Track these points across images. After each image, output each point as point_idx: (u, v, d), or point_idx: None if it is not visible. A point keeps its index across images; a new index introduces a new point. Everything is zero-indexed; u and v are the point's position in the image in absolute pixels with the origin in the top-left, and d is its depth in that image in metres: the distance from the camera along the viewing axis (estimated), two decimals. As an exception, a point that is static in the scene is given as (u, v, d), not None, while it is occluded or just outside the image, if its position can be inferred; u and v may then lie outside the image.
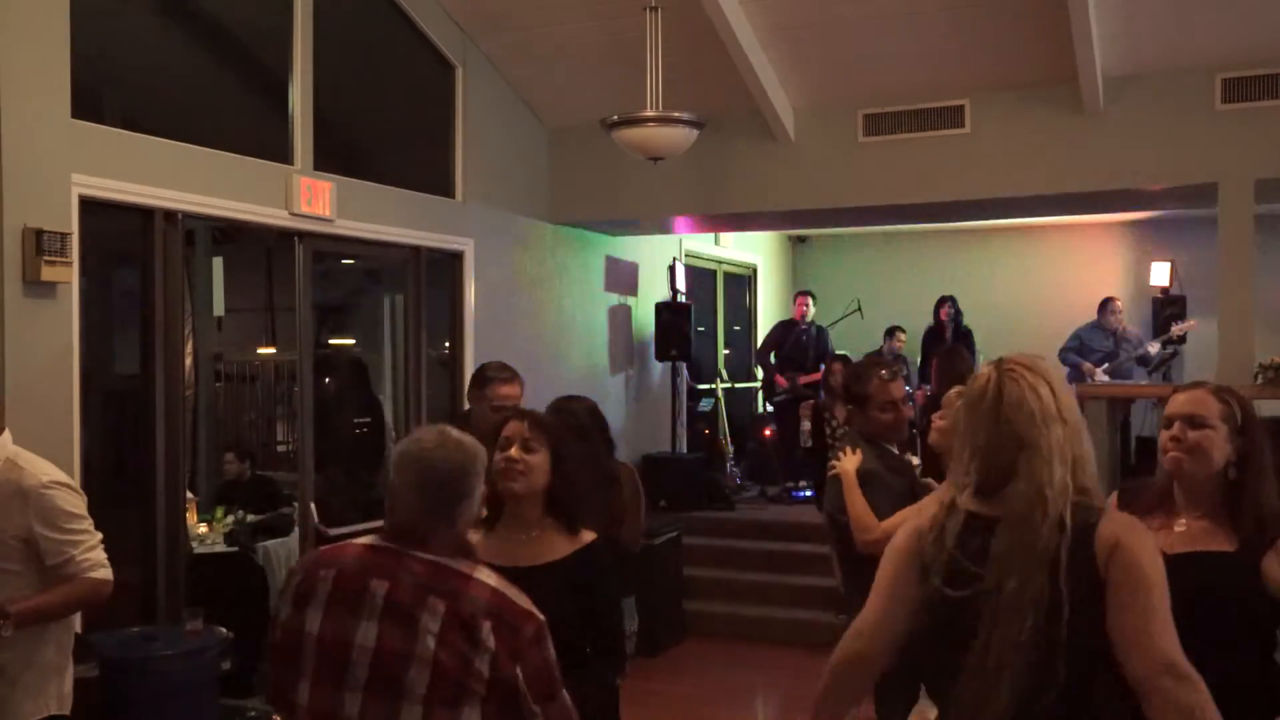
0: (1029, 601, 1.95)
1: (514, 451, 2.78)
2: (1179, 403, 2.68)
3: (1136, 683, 1.92)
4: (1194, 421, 2.63)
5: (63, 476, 3.10)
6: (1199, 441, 2.61)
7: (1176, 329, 8.79)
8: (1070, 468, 2.04)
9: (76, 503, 3.08)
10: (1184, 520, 2.65)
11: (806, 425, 9.25)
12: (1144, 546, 2.01)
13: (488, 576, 2.19)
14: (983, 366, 2.17)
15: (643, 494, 4.13)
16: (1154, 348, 8.84)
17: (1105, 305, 9.06)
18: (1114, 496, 2.79)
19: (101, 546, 3.11)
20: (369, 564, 2.19)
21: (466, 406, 4.71)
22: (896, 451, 3.88)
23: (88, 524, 3.08)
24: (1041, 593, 1.95)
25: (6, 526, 3.00)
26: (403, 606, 2.11)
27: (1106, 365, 8.64)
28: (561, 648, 2.31)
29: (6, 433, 3.13)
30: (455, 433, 2.28)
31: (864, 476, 3.73)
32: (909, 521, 2.22)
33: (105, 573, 3.07)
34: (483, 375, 4.48)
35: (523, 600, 2.19)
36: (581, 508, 2.88)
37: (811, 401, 9.31)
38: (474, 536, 2.76)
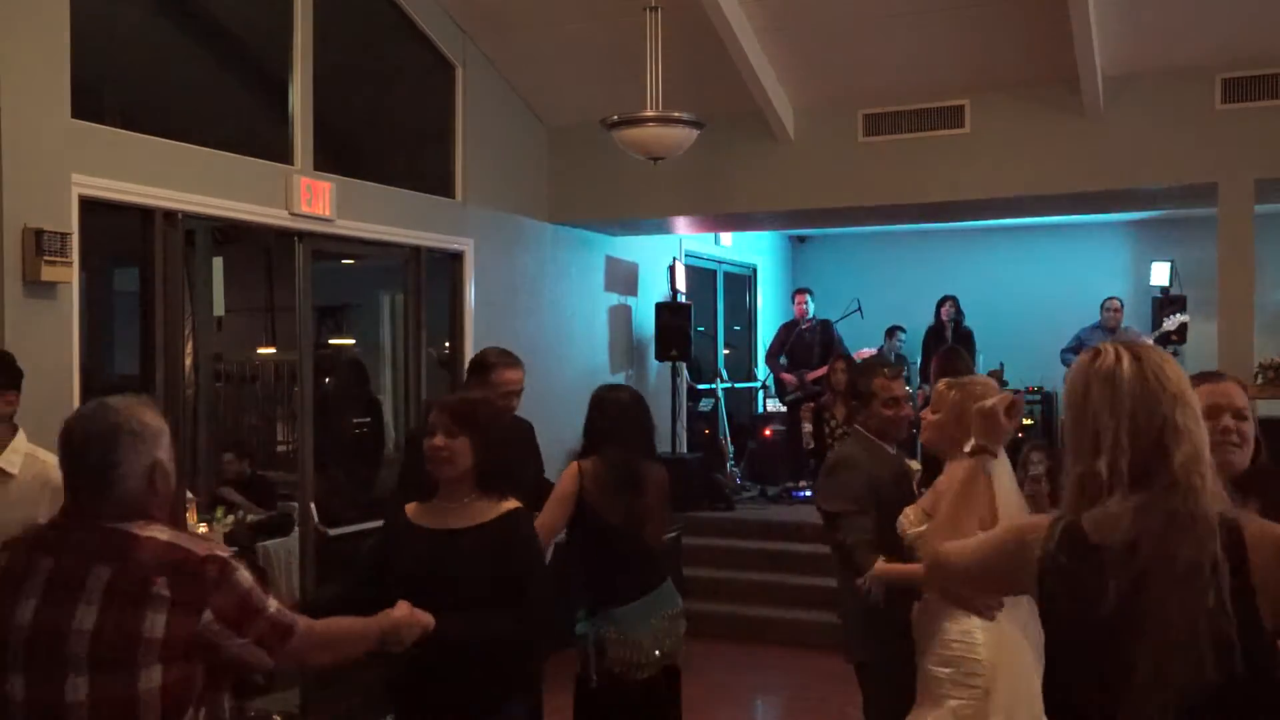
0: (1209, 569, 1.80)
1: (437, 440, 3.05)
2: (1225, 393, 2.64)
3: None
4: (1242, 414, 2.63)
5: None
6: (1244, 433, 2.61)
7: (1168, 323, 8.80)
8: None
9: None
10: None
11: (808, 427, 9.25)
12: None
13: (159, 532, 2.18)
14: (1100, 347, 2.01)
15: (667, 496, 4.23)
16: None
17: (1104, 305, 9.11)
18: None
19: None
20: (37, 542, 2.21)
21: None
22: (892, 451, 3.88)
23: None
24: (1219, 561, 1.81)
25: (31, 516, 3.02)
26: (68, 580, 2.12)
27: None
28: (471, 601, 2.91)
29: (22, 431, 3.25)
30: (115, 401, 2.24)
31: (844, 461, 3.76)
32: (1013, 522, 2.09)
33: None
34: (484, 362, 4.39)
35: (202, 546, 2.20)
36: (507, 482, 3.15)
37: (811, 404, 9.31)
38: (412, 506, 3.15)
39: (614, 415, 4.13)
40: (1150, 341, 8.79)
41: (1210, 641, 1.78)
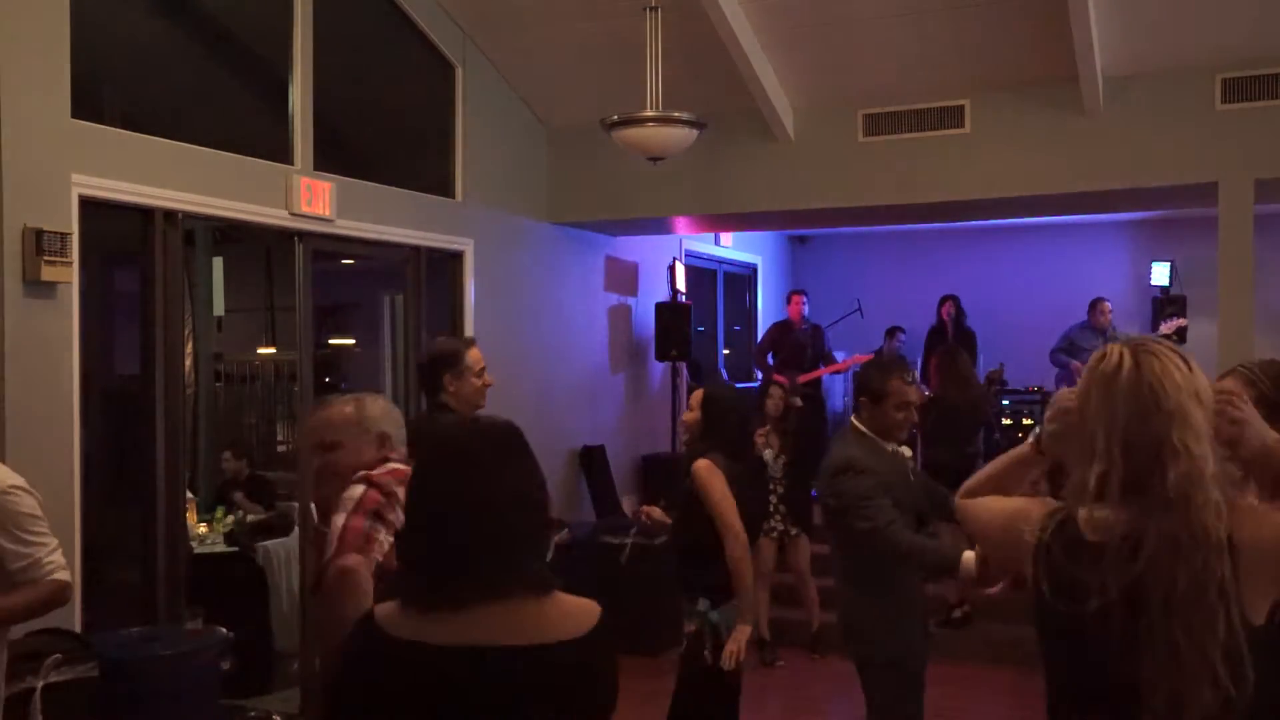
0: (1215, 590, 1.75)
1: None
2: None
3: None
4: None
5: (20, 479, 3.03)
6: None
7: (1165, 327, 8.80)
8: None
9: (35, 505, 3.01)
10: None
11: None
12: None
13: None
14: (1108, 348, 1.95)
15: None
16: None
17: (1094, 305, 9.08)
18: None
19: (60, 549, 3.06)
20: None
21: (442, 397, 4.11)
22: (890, 449, 3.89)
23: (46, 525, 3.03)
24: (1226, 581, 1.75)
25: None
26: None
27: None
28: None
29: None
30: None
31: (850, 464, 3.76)
32: (1013, 501, 2.08)
33: (66, 575, 3.03)
34: (454, 354, 4.10)
35: None
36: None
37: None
38: (388, 609, 1.89)
39: (734, 411, 4.35)
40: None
41: (1225, 665, 1.74)
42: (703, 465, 4.11)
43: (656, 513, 4.83)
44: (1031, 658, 2.11)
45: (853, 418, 3.99)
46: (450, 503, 1.82)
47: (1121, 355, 1.90)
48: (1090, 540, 1.86)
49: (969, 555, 3.41)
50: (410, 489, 1.92)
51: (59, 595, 3.01)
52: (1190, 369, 1.88)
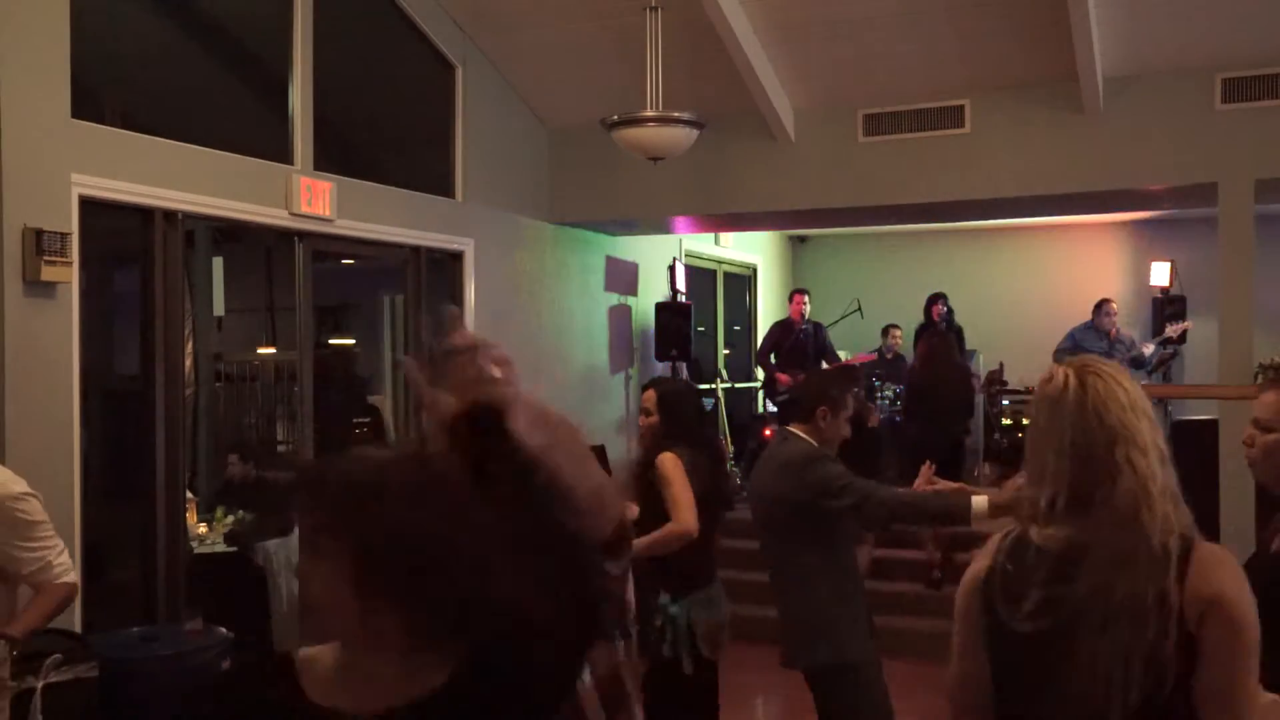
0: (1151, 605, 1.77)
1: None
2: (1255, 405, 2.63)
3: None
4: (1260, 425, 2.59)
5: (23, 484, 3.03)
6: (1266, 445, 2.57)
7: (1171, 330, 8.80)
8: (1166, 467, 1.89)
9: (40, 509, 3.03)
10: None
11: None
12: (1244, 597, 1.81)
13: None
14: (1053, 369, 2.00)
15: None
16: (1148, 349, 8.86)
17: (1100, 306, 9.08)
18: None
19: (65, 549, 3.09)
20: None
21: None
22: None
23: (51, 527, 3.06)
24: (1165, 597, 1.77)
25: None
26: None
27: None
28: None
29: None
30: None
31: (817, 454, 3.78)
32: (972, 565, 2.07)
33: (74, 575, 3.08)
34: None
35: None
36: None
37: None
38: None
39: (690, 404, 4.41)
40: (1151, 348, 8.82)
41: (1141, 675, 1.77)
42: (667, 458, 4.09)
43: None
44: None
45: (792, 426, 3.94)
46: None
47: (1067, 376, 1.95)
48: (1038, 545, 1.90)
49: (980, 500, 3.52)
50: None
51: (70, 597, 3.07)
52: (1131, 389, 1.94)
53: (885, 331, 10.60)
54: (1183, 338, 8.89)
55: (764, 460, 4.03)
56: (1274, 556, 2.53)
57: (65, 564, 3.04)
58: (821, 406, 3.85)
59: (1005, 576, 1.93)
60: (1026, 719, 1.92)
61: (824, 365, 9.56)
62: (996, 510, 3.43)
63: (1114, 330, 8.97)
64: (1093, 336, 8.97)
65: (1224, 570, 1.83)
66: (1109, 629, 1.79)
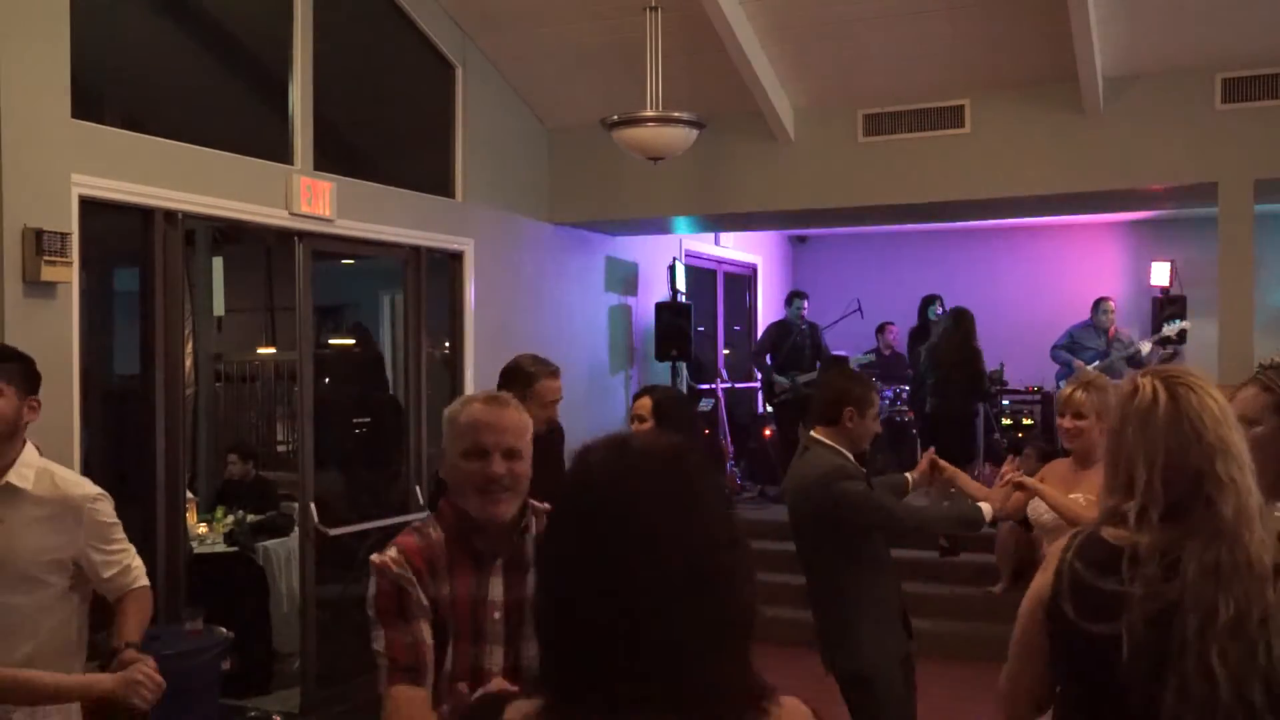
0: (1257, 620, 1.72)
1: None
2: (1235, 402, 2.62)
3: None
4: (1245, 420, 2.57)
5: (97, 487, 2.97)
6: (1252, 440, 2.57)
7: (1168, 329, 8.79)
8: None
9: (113, 511, 2.97)
10: None
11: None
12: None
13: None
14: (1138, 380, 1.96)
15: None
16: (1145, 347, 8.87)
17: (1098, 305, 9.08)
18: None
19: (137, 552, 3.04)
20: None
21: None
22: (852, 459, 3.90)
23: (123, 530, 2.99)
24: (1271, 612, 1.73)
25: (60, 544, 2.85)
26: None
27: (1098, 364, 8.65)
28: None
29: (30, 444, 2.91)
30: None
31: (840, 471, 3.76)
32: (1037, 579, 2.02)
33: (147, 579, 3.02)
34: (521, 371, 4.13)
35: None
36: None
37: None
38: None
39: (686, 412, 4.49)
40: (1148, 346, 8.82)
41: (1265, 698, 1.72)
42: None
43: None
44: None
45: (814, 432, 3.88)
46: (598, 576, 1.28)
47: (1155, 388, 1.90)
48: (1118, 549, 1.84)
49: (986, 507, 3.76)
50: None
51: (151, 598, 3.02)
52: (1221, 398, 1.90)
53: (880, 329, 10.62)
54: (1182, 337, 8.88)
55: (791, 472, 3.98)
56: None
57: (141, 566, 2.98)
58: (848, 407, 3.81)
59: (1075, 576, 1.88)
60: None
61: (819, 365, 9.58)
62: (999, 513, 3.64)
63: (1112, 329, 8.97)
64: (1091, 334, 8.97)
65: None
66: (1215, 643, 1.74)
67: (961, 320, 8.37)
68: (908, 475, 4.20)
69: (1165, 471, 1.84)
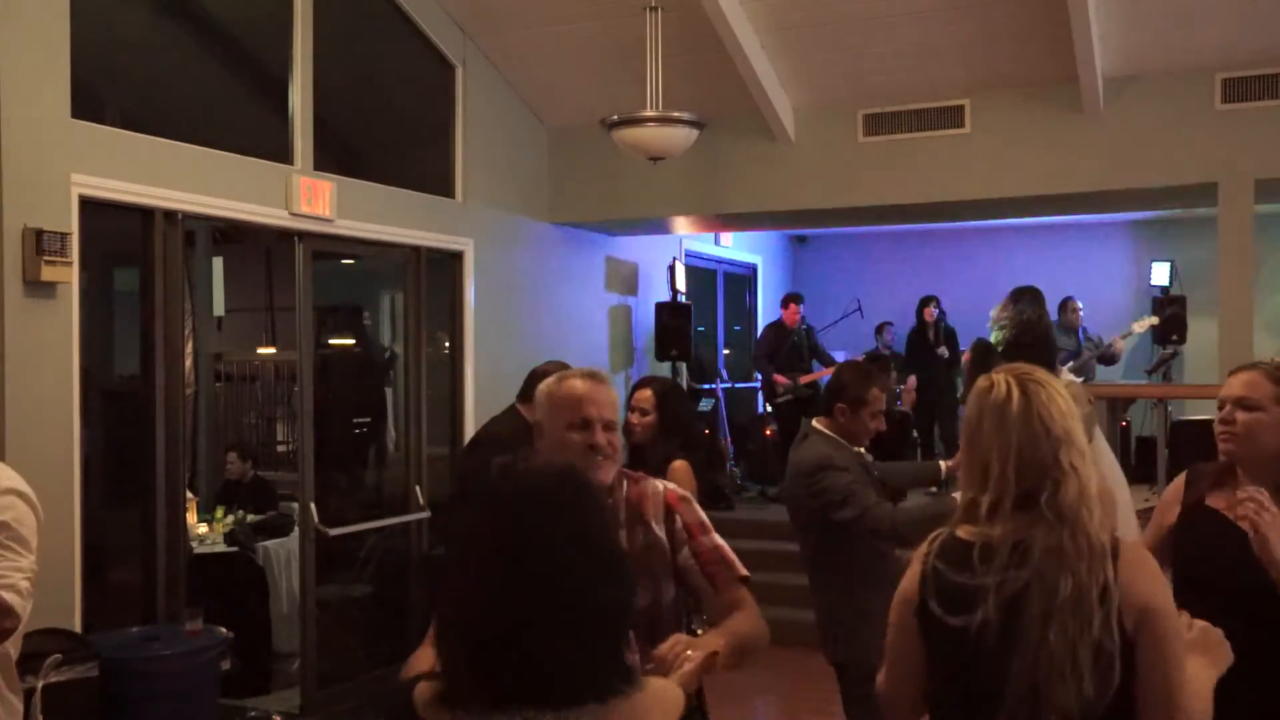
0: (1097, 593, 1.86)
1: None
2: (1231, 385, 2.68)
3: None
4: (1244, 404, 2.62)
5: (20, 483, 2.70)
6: (1248, 425, 2.61)
7: (1136, 325, 8.78)
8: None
9: (23, 515, 2.66)
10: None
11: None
12: (1169, 606, 1.93)
13: None
14: (992, 378, 2.06)
15: None
16: (1120, 345, 8.90)
17: (1064, 305, 9.12)
18: (1182, 476, 2.83)
19: (31, 575, 2.62)
20: None
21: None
22: (854, 450, 3.89)
23: (28, 542, 2.65)
24: (1109, 590, 1.86)
25: None
26: None
27: (1071, 364, 8.67)
28: None
29: None
30: None
31: (827, 462, 3.76)
32: (904, 578, 2.12)
33: (16, 598, 2.55)
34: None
35: None
36: None
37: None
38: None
39: (686, 403, 4.36)
40: (1121, 344, 8.84)
41: (1091, 663, 1.84)
42: (681, 466, 4.08)
43: None
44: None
45: (815, 421, 3.93)
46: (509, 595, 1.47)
47: (1009, 385, 2.03)
48: (972, 544, 1.97)
49: (943, 464, 4.03)
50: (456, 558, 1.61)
51: (6, 613, 2.55)
52: (1065, 393, 2.04)
53: (879, 329, 10.62)
54: (1178, 334, 8.87)
55: (790, 458, 4.01)
56: (1192, 508, 2.70)
57: (13, 582, 2.57)
58: (839, 404, 3.85)
59: (938, 576, 2.00)
60: (976, 716, 1.96)
61: (819, 368, 9.60)
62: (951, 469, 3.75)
63: (1078, 328, 9.03)
64: (1060, 335, 8.99)
65: (1147, 572, 1.94)
66: (1054, 619, 1.86)
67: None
68: (942, 464, 4.18)
69: (1018, 463, 1.96)
